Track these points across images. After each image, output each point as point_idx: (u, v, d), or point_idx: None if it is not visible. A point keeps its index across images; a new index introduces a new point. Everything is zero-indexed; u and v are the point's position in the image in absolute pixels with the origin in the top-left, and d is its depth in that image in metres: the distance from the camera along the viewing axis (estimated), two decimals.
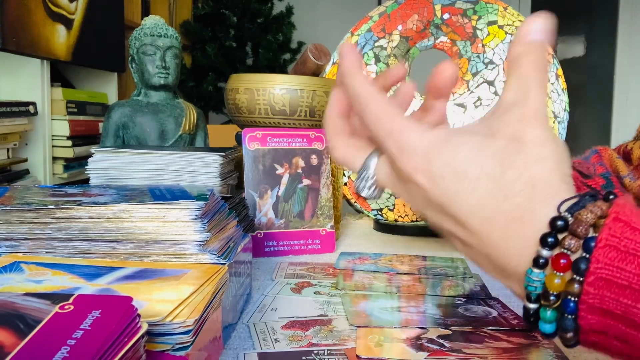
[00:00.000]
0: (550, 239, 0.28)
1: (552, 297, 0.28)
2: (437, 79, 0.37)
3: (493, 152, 0.30)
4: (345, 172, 0.97)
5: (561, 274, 0.27)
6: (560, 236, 0.28)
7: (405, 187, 0.33)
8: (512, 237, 0.29)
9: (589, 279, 0.26)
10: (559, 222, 0.28)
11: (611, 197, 0.29)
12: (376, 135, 0.34)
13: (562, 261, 0.27)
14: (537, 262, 0.28)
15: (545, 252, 0.28)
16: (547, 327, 0.29)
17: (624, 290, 0.26)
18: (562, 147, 0.31)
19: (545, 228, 0.28)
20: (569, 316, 0.27)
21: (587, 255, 0.27)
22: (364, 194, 0.36)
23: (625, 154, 0.57)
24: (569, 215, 0.28)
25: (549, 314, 0.28)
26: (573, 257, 0.27)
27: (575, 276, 0.27)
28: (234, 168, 0.74)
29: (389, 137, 0.33)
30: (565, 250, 0.27)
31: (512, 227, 0.29)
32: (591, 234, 0.27)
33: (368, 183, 0.35)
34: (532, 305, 0.29)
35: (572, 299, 0.27)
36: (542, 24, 0.32)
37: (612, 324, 0.26)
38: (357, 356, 0.43)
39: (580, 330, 0.27)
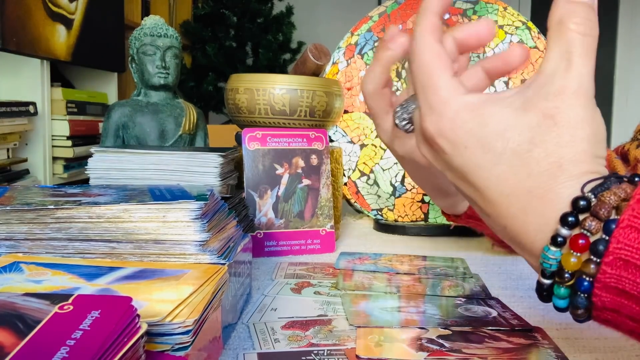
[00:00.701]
0: (570, 219, 0.27)
1: (566, 276, 0.28)
2: (507, 58, 0.36)
3: (523, 128, 0.29)
4: (345, 173, 0.97)
5: (578, 254, 0.27)
6: (581, 217, 0.27)
7: (427, 146, 0.33)
8: (532, 214, 0.29)
9: (607, 258, 0.26)
10: (582, 203, 0.27)
11: (637, 179, 0.28)
12: (415, 86, 0.33)
13: (580, 241, 0.27)
14: (555, 241, 0.28)
15: (564, 232, 0.28)
16: (560, 302, 0.29)
17: None
18: (599, 128, 0.30)
19: (566, 207, 0.28)
20: (582, 294, 0.27)
21: (607, 237, 0.26)
22: (397, 121, 0.36)
23: (623, 155, 0.58)
24: (592, 196, 0.27)
25: (562, 290, 0.28)
26: (592, 239, 0.27)
27: (592, 257, 0.27)
28: (234, 168, 0.74)
29: (423, 92, 0.32)
30: (585, 232, 0.27)
31: (533, 203, 0.29)
32: (613, 216, 0.27)
33: (405, 115, 0.35)
34: (546, 281, 0.29)
35: (587, 278, 0.27)
36: None
37: (626, 303, 0.26)
38: (357, 356, 0.43)
39: (594, 307, 0.27)
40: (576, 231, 0.28)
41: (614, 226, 0.26)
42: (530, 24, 1.01)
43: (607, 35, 3.65)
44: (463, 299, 0.57)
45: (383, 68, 0.39)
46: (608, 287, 0.26)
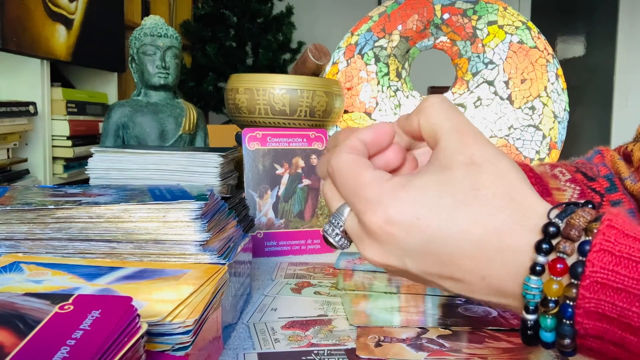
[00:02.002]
0: (544, 245, 0.28)
1: (551, 304, 0.28)
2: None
3: (457, 181, 0.30)
4: None
5: (559, 278, 0.27)
6: (554, 242, 0.28)
7: (375, 244, 0.32)
8: (507, 251, 0.29)
9: (584, 282, 0.26)
10: (551, 228, 0.28)
11: (589, 205, 0.29)
12: (345, 197, 0.33)
13: (559, 266, 0.27)
14: (534, 270, 0.28)
15: (541, 259, 0.28)
16: (547, 336, 0.28)
17: (619, 294, 0.26)
18: (511, 160, 0.31)
19: (537, 236, 0.28)
20: (567, 322, 0.27)
21: (584, 259, 0.27)
22: (331, 240, 0.34)
23: (626, 156, 0.57)
24: (560, 221, 0.28)
25: (549, 321, 0.28)
26: (569, 261, 0.27)
27: (573, 280, 0.27)
28: (234, 168, 0.74)
29: (355, 194, 0.32)
30: (561, 254, 0.28)
31: (505, 241, 0.29)
32: (584, 237, 0.28)
33: (337, 230, 0.34)
34: (531, 317, 0.29)
35: (570, 303, 0.27)
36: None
37: (608, 328, 0.26)
38: (357, 356, 0.43)
39: (577, 335, 0.27)
40: (552, 256, 0.28)
41: (588, 247, 0.27)
42: (530, 24, 1.01)
43: (607, 35, 3.65)
44: (463, 299, 0.57)
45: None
46: (589, 312, 0.26)
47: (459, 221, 0.30)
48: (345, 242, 0.35)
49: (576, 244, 0.27)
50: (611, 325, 0.26)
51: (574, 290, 0.27)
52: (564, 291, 0.27)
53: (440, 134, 0.32)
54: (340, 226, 0.34)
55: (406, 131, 0.36)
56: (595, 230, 0.27)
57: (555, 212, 0.29)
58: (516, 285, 0.29)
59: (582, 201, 0.30)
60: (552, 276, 0.28)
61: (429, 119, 0.33)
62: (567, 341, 0.28)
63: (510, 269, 0.29)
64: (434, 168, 0.32)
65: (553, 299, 0.28)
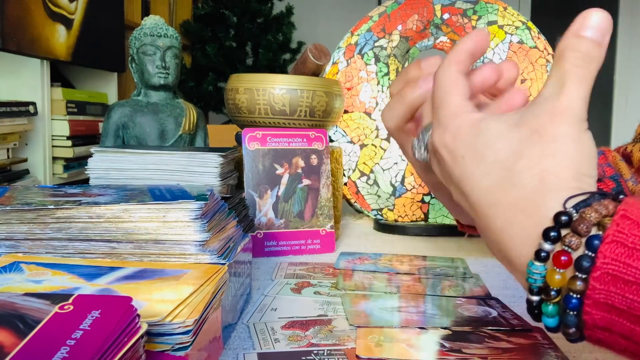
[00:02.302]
0: (552, 234, 0.28)
1: (552, 293, 0.28)
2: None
3: (512, 140, 0.30)
4: (345, 173, 0.97)
5: (562, 270, 0.27)
6: (563, 232, 0.28)
7: (435, 160, 0.35)
8: (516, 227, 0.29)
9: (595, 273, 0.26)
10: (563, 218, 0.28)
11: (620, 197, 0.29)
12: (433, 106, 0.35)
13: (562, 258, 0.27)
14: (539, 256, 0.28)
15: (547, 246, 0.28)
16: (550, 321, 0.29)
17: (630, 286, 0.25)
18: (587, 147, 0.31)
19: (549, 222, 0.28)
20: (571, 312, 0.27)
21: (591, 254, 0.27)
22: (416, 155, 0.37)
23: (626, 156, 0.57)
24: (574, 212, 0.28)
25: (550, 308, 0.28)
26: (574, 255, 0.27)
27: (577, 273, 0.27)
28: (234, 168, 0.74)
29: (436, 110, 0.34)
30: (566, 248, 0.27)
31: (517, 216, 0.29)
32: (594, 232, 0.27)
33: (422, 145, 0.37)
34: (534, 298, 0.29)
35: (575, 295, 0.27)
36: (597, 21, 0.31)
37: (617, 320, 0.26)
38: (357, 356, 0.43)
39: (585, 326, 0.27)
40: (558, 247, 0.28)
41: (597, 242, 0.27)
42: (530, 24, 1.01)
43: None
44: (463, 299, 0.57)
45: (408, 108, 0.39)
46: (598, 303, 0.26)
47: (490, 177, 0.31)
48: (427, 155, 0.37)
49: (583, 239, 0.27)
50: (620, 317, 0.26)
51: (579, 284, 0.27)
52: (568, 283, 0.27)
53: (545, 91, 0.32)
54: (426, 141, 0.36)
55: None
56: (608, 224, 0.27)
57: (574, 201, 0.28)
58: (521, 263, 0.29)
59: (612, 193, 0.29)
60: (555, 267, 0.28)
61: (562, 66, 0.32)
62: (571, 330, 0.28)
63: (516, 246, 0.30)
64: (510, 119, 0.32)
65: (555, 288, 0.28)
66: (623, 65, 3.61)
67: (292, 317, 0.51)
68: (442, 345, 0.45)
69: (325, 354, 0.43)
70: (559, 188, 0.29)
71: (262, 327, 0.49)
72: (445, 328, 0.48)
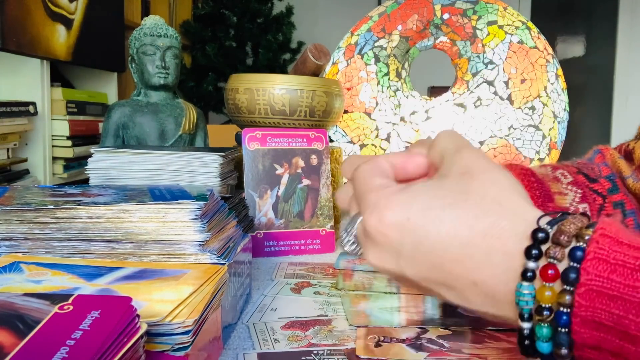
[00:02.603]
0: (534, 251, 0.28)
1: (545, 312, 0.27)
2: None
3: (449, 186, 0.32)
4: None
5: (551, 284, 0.27)
6: (543, 248, 0.28)
7: (374, 247, 0.33)
8: (495, 255, 0.29)
9: (580, 290, 0.26)
10: (540, 234, 0.28)
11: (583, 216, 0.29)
12: (356, 201, 0.35)
13: (550, 272, 0.27)
14: (525, 275, 0.28)
15: (531, 264, 0.28)
16: (544, 347, 0.28)
17: (615, 302, 0.25)
18: (509, 174, 0.32)
19: (525, 242, 0.28)
20: (563, 330, 0.27)
21: (575, 265, 0.27)
22: (346, 248, 0.36)
23: (627, 154, 0.57)
24: (549, 228, 0.28)
25: (544, 330, 0.28)
26: (560, 267, 0.27)
27: (565, 286, 0.27)
28: (233, 168, 0.74)
29: (361, 199, 0.34)
30: (552, 260, 0.27)
31: (493, 245, 0.29)
32: (574, 244, 0.27)
33: (349, 238, 0.36)
34: (526, 325, 0.28)
35: (565, 310, 0.27)
36: None
37: (606, 337, 0.26)
38: (357, 356, 0.43)
39: (575, 345, 0.27)
40: (543, 262, 0.28)
41: (580, 253, 0.27)
42: (530, 24, 1.01)
43: (607, 35, 3.65)
44: None
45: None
46: (585, 321, 0.26)
47: (446, 222, 0.30)
48: (358, 248, 0.36)
49: (566, 250, 0.27)
50: (608, 334, 0.26)
51: (567, 297, 0.27)
52: (557, 298, 0.27)
53: (444, 155, 0.34)
54: (353, 232, 0.36)
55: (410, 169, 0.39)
56: (587, 237, 0.27)
57: (545, 219, 0.29)
58: (508, 292, 0.29)
59: (575, 213, 0.30)
60: (544, 282, 0.27)
61: (437, 147, 0.35)
62: (564, 351, 0.27)
63: (501, 274, 0.29)
64: (432, 179, 0.34)
65: (547, 306, 0.27)
66: (623, 66, 3.61)
67: (292, 317, 0.51)
68: (442, 345, 0.45)
69: (325, 354, 0.43)
70: (517, 210, 0.30)
71: (262, 327, 0.49)
72: (445, 328, 0.48)
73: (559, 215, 0.29)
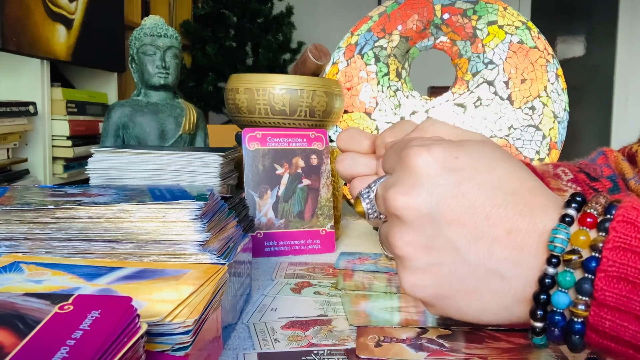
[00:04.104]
0: (574, 204, 0.30)
1: (575, 256, 0.28)
2: None
3: (500, 150, 0.34)
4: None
5: (587, 229, 0.29)
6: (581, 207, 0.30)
7: (411, 181, 0.32)
8: (537, 206, 0.30)
9: (608, 245, 0.27)
10: (578, 197, 0.30)
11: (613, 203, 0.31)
12: (390, 162, 0.35)
13: (589, 219, 0.29)
14: (564, 219, 0.29)
15: (571, 211, 0.29)
16: (562, 298, 0.28)
17: None
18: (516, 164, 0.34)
19: (561, 209, 0.30)
20: (589, 276, 0.28)
21: (611, 217, 0.28)
22: (364, 204, 0.36)
23: (630, 156, 0.57)
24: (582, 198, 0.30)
25: (568, 277, 0.28)
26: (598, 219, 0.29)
27: (601, 233, 0.28)
28: (234, 168, 0.74)
29: (404, 145, 0.34)
30: (591, 210, 0.29)
31: (536, 200, 0.31)
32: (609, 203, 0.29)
33: (371, 195, 0.36)
34: (552, 270, 0.28)
35: (596, 255, 0.28)
36: None
37: (628, 296, 0.26)
38: (357, 356, 0.43)
39: (594, 303, 0.27)
40: (581, 212, 0.30)
41: (614, 211, 0.29)
42: (530, 24, 1.01)
43: (607, 35, 3.65)
44: None
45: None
46: (610, 277, 0.27)
47: (497, 170, 0.31)
48: (374, 208, 0.36)
49: (604, 207, 0.29)
50: (631, 293, 0.26)
51: (601, 243, 0.28)
52: (591, 241, 0.28)
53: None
54: (374, 189, 0.35)
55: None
56: (617, 204, 0.29)
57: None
58: (541, 240, 0.29)
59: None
60: (581, 227, 0.29)
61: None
62: (582, 306, 0.28)
63: (539, 225, 0.30)
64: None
65: (578, 249, 0.28)
66: (623, 66, 3.61)
67: (292, 317, 0.51)
68: (442, 345, 0.45)
69: (325, 354, 0.43)
70: (548, 193, 0.32)
71: (262, 327, 0.49)
72: (445, 328, 0.48)
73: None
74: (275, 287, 0.61)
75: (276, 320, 0.51)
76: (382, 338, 0.46)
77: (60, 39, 1.34)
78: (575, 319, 0.28)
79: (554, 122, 1.00)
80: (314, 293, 0.59)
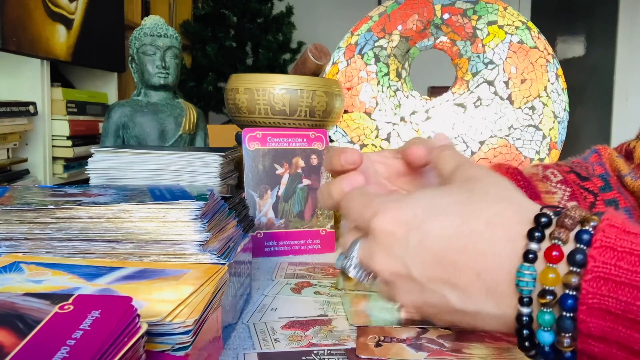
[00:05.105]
0: (537, 233, 0.28)
1: (549, 295, 0.27)
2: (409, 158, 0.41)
3: (454, 188, 0.33)
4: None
5: (555, 266, 0.27)
6: (547, 232, 0.28)
7: (381, 250, 0.33)
8: (498, 242, 0.29)
9: (587, 277, 0.26)
10: (543, 219, 0.28)
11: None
12: (355, 220, 0.36)
13: (554, 253, 0.27)
14: (527, 257, 0.28)
15: (534, 245, 0.28)
16: (546, 336, 0.27)
17: (623, 289, 0.25)
18: (507, 179, 0.34)
19: (529, 227, 0.29)
20: (568, 314, 0.27)
21: (582, 246, 0.27)
22: (351, 274, 0.36)
23: (627, 153, 0.57)
24: (552, 215, 0.29)
25: (547, 317, 0.27)
26: (565, 250, 0.27)
27: (572, 268, 0.27)
28: (234, 168, 0.74)
29: (362, 212, 0.35)
30: (556, 241, 0.27)
31: (496, 233, 0.29)
32: (579, 227, 0.28)
33: (353, 262, 0.36)
34: (526, 310, 0.28)
35: (570, 293, 0.26)
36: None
37: (612, 326, 0.25)
38: (357, 356, 0.43)
39: (579, 336, 0.26)
40: (547, 244, 0.28)
41: (587, 236, 0.27)
42: (530, 24, 1.01)
43: (607, 35, 3.65)
44: None
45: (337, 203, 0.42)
46: (592, 309, 0.26)
47: (451, 215, 0.31)
48: (363, 273, 0.36)
49: (572, 233, 0.27)
50: (615, 323, 0.25)
51: (574, 279, 0.26)
52: (562, 279, 0.27)
53: (446, 170, 0.36)
54: (353, 257, 0.36)
55: (410, 157, 0.41)
56: (592, 222, 0.27)
57: (548, 209, 0.30)
58: (510, 279, 0.29)
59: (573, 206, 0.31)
60: (548, 264, 0.27)
61: (444, 163, 0.37)
62: (567, 340, 0.27)
63: (504, 261, 0.29)
64: (435, 186, 0.36)
65: (550, 289, 0.27)
66: (623, 66, 3.61)
67: (292, 317, 0.51)
68: (442, 345, 0.45)
69: (325, 354, 0.43)
70: (521, 202, 0.31)
71: (262, 327, 0.49)
72: (445, 328, 0.48)
73: (559, 208, 0.30)
74: (275, 287, 0.61)
75: (276, 320, 0.51)
76: (382, 338, 0.46)
77: (60, 39, 1.34)
78: (564, 351, 0.28)
79: (554, 122, 1.00)
80: (314, 293, 0.59)
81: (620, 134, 3.53)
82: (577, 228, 0.28)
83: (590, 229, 0.27)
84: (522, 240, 0.28)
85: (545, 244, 0.28)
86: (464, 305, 0.31)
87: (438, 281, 0.31)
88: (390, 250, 0.33)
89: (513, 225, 0.29)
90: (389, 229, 0.32)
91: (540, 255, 0.28)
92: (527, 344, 0.29)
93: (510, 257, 0.29)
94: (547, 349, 0.28)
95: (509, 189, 0.32)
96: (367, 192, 0.36)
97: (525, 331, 0.28)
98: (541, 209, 0.29)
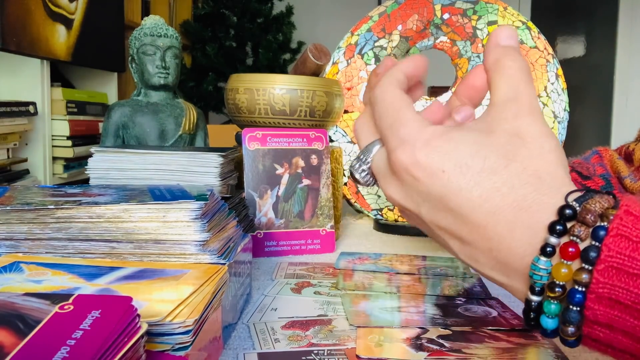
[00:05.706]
0: (558, 227, 0.27)
1: (558, 289, 0.27)
2: (472, 83, 0.37)
3: (495, 146, 0.30)
4: (345, 173, 0.97)
5: (569, 262, 0.27)
6: (568, 225, 0.28)
7: (398, 183, 0.33)
8: (520, 228, 0.29)
9: (599, 267, 0.26)
10: (567, 211, 0.28)
11: (609, 195, 0.29)
12: (380, 126, 0.34)
13: (570, 249, 0.27)
14: (545, 250, 0.27)
15: (553, 240, 0.27)
16: (550, 323, 0.28)
17: (635, 280, 0.25)
18: (558, 142, 0.31)
19: (553, 217, 0.28)
20: (574, 308, 0.27)
21: (597, 244, 0.26)
22: (357, 175, 0.35)
23: (627, 155, 0.57)
24: (577, 205, 0.28)
25: (553, 307, 0.27)
26: (581, 246, 0.27)
27: (584, 265, 0.27)
28: (234, 168, 0.74)
29: (391, 129, 0.32)
30: (574, 238, 0.27)
31: (520, 217, 0.29)
32: (599, 223, 0.27)
33: (364, 167, 0.34)
34: (535, 298, 0.28)
35: (580, 289, 0.26)
36: (510, 31, 0.34)
37: (620, 316, 0.26)
38: (357, 356, 0.43)
39: (585, 322, 0.27)
40: (565, 239, 0.28)
41: (603, 232, 0.26)
42: (530, 24, 1.01)
43: (607, 35, 3.65)
44: (463, 299, 0.57)
45: None
46: (601, 298, 0.26)
47: (481, 186, 0.29)
48: (370, 178, 0.35)
49: (590, 230, 0.27)
50: (623, 313, 0.25)
51: (585, 276, 0.26)
52: (573, 275, 0.27)
53: (499, 97, 0.32)
54: (368, 162, 0.34)
55: (469, 84, 0.37)
56: (611, 217, 0.27)
57: (574, 195, 0.28)
58: (523, 265, 0.29)
59: (603, 190, 0.30)
60: (562, 260, 0.27)
61: (505, 68, 0.33)
62: (570, 329, 0.27)
63: (520, 247, 0.29)
64: (478, 127, 0.32)
65: (560, 283, 0.27)
66: (623, 66, 3.61)
67: (292, 317, 0.51)
68: (442, 345, 0.45)
69: (325, 354, 0.43)
70: (555, 184, 0.29)
71: (262, 327, 0.49)
72: (445, 328, 0.48)
73: (587, 192, 0.29)
74: (275, 287, 0.61)
75: (276, 320, 0.51)
76: (382, 338, 0.46)
77: (60, 39, 1.34)
78: (567, 337, 0.28)
79: (554, 122, 1.00)
80: (314, 293, 0.59)
81: (620, 134, 3.54)
82: (598, 223, 0.27)
83: (607, 224, 0.27)
84: (543, 232, 0.28)
85: (564, 239, 0.28)
86: (470, 262, 0.31)
87: (449, 233, 0.31)
88: (408, 190, 0.32)
89: (538, 212, 0.29)
90: (413, 173, 0.31)
91: (558, 249, 0.28)
92: (532, 323, 0.29)
93: (527, 245, 0.28)
94: (549, 332, 0.28)
95: (553, 162, 0.30)
96: (403, 97, 0.33)
97: (532, 314, 0.29)
98: (567, 196, 0.28)
